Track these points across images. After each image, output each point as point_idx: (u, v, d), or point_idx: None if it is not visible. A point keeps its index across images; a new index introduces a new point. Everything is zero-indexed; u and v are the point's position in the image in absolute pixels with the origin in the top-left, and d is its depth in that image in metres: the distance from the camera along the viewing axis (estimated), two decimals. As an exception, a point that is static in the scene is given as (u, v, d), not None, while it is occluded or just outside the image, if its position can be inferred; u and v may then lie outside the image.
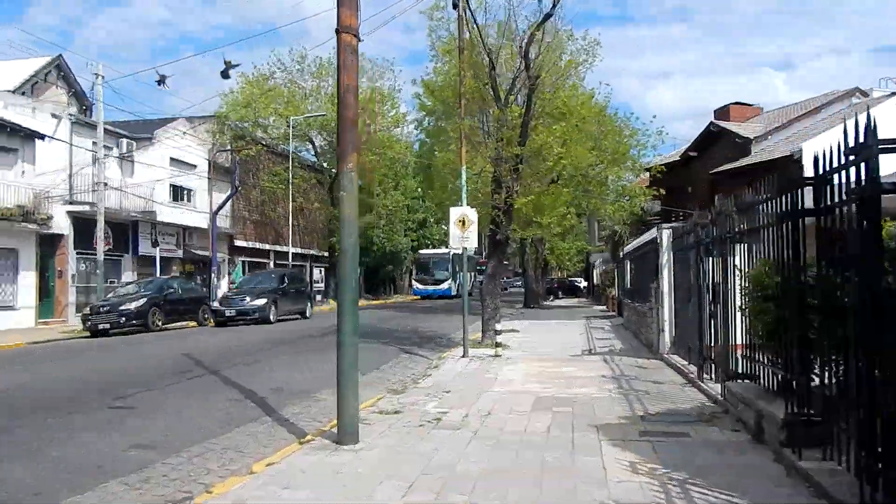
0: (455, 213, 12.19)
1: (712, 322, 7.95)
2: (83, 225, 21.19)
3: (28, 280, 20.34)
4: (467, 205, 12.26)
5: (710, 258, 8.09)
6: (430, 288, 43.38)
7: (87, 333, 16.96)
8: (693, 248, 9.09)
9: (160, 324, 17.57)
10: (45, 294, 21.07)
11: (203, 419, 7.36)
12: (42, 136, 20.70)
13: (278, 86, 34.70)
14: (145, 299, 17.79)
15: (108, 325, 16.82)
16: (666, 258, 11.42)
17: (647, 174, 32.70)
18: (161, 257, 26.31)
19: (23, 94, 24.97)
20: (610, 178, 29.53)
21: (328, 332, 14.77)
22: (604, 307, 29.51)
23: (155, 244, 25.46)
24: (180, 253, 27.61)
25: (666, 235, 11.46)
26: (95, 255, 21.88)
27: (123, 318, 16.99)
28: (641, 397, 7.74)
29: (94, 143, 22.32)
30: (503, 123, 12.79)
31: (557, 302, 40.36)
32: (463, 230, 12.03)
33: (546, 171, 13.01)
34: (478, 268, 40.92)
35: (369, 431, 6.23)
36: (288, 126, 31.94)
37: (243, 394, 8.83)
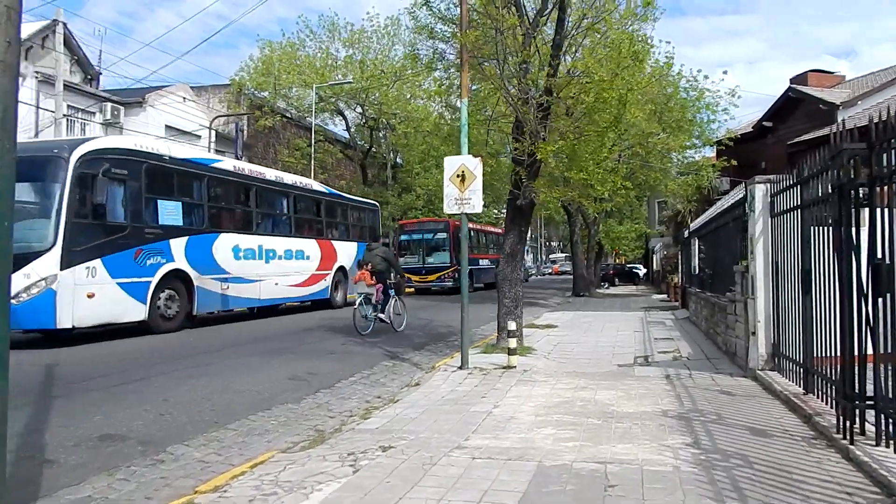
0: (451, 164, 8.67)
1: (872, 330, 4.23)
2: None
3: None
4: (472, 156, 8.69)
5: (868, 217, 4.35)
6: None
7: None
8: (823, 202, 5.31)
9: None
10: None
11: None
12: None
13: (309, 56, 31.83)
14: None
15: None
16: (760, 227, 7.59)
17: (713, 150, 28.41)
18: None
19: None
20: (673, 154, 25.51)
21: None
22: (665, 296, 25.36)
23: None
24: (186, 234, 25.02)
25: (761, 192, 7.62)
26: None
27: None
28: (739, 476, 4.08)
29: (69, 107, 19.84)
30: (528, 42, 9.13)
31: (612, 290, 36.16)
32: (462, 189, 8.50)
33: (587, 109, 9.26)
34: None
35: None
36: (312, 93, 28.92)
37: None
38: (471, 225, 28.09)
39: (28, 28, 24.11)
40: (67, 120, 21.01)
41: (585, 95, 9.44)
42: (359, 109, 33.73)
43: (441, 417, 6.10)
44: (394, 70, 28.85)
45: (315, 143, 29.35)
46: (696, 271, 14.00)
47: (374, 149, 34.35)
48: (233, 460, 4.91)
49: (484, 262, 31.31)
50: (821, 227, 5.45)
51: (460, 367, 8.62)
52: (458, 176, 8.53)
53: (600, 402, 6.46)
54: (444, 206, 8.64)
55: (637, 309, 19.39)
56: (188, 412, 6.50)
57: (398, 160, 36.47)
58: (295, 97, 31.53)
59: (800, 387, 6.19)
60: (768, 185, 7.53)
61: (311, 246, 18.19)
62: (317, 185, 20.14)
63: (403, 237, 29.56)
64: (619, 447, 4.78)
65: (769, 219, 7.49)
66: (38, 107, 20.05)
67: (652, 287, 36.30)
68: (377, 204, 23.95)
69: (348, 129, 34.30)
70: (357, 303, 12.85)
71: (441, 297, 26.09)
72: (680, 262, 20.00)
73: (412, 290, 27.95)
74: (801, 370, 6.13)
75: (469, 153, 8.69)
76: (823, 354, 5.36)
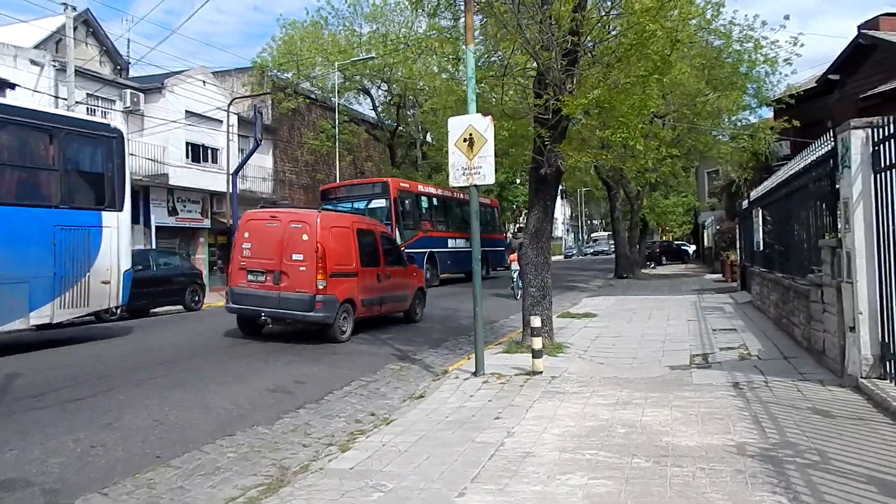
0: (457, 126, 7.05)
1: None
2: (75, 192, 17.71)
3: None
4: (481, 115, 7.04)
5: None
6: None
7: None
8: None
9: (116, 311, 13.53)
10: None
11: None
12: (13, 86, 17.35)
13: (332, 34, 30.38)
14: None
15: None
16: (859, 187, 5.74)
17: (770, 111, 25.79)
18: (182, 227, 22.88)
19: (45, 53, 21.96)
20: (724, 115, 23.11)
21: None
22: (720, 276, 23.17)
23: (172, 212, 22.00)
24: (207, 222, 24.07)
25: (859, 142, 5.76)
26: (93, 226, 18.58)
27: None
28: None
29: (87, 96, 18.89)
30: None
31: (659, 269, 33.90)
32: (470, 155, 6.88)
33: (625, 53, 7.48)
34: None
35: None
36: (335, 71, 27.46)
37: None
38: (438, 190, 22.64)
39: (56, 21, 23.27)
40: (87, 108, 20.17)
41: (623, 36, 7.67)
42: (384, 87, 32.18)
43: (437, 451, 4.60)
44: (418, 41, 27.15)
45: (340, 123, 27.97)
46: (760, 247, 12.05)
47: (401, 127, 32.78)
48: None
49: (460, 243, 22.54)
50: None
51: (474, 374, 7.07)
52: (464, 140, 6.92)
53: (649, 428, 4.82)
54: (450, 178, 7.06)
55: (688, 291, 17.42)
56: (129, 442, 5.17)
57: (428, 138, 34.81)
58: (319, 77, 30.16)
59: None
60: (870, 130, 5.67)
61: None
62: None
63: (327, 208, 18.45)
64: (680, 520, 3.17)
65: (871, 176, 5.64)
66: (56, 96, 19.20)
67: (704, 266, 33.86)
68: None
69: (375, 108, 32.82)
70: (514, 277, 16.69)
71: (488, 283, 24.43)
72: (738, 237, 17.87)
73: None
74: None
75: (479, 112, 7.05)
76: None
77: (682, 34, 8.04)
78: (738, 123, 23.59)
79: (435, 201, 22.71)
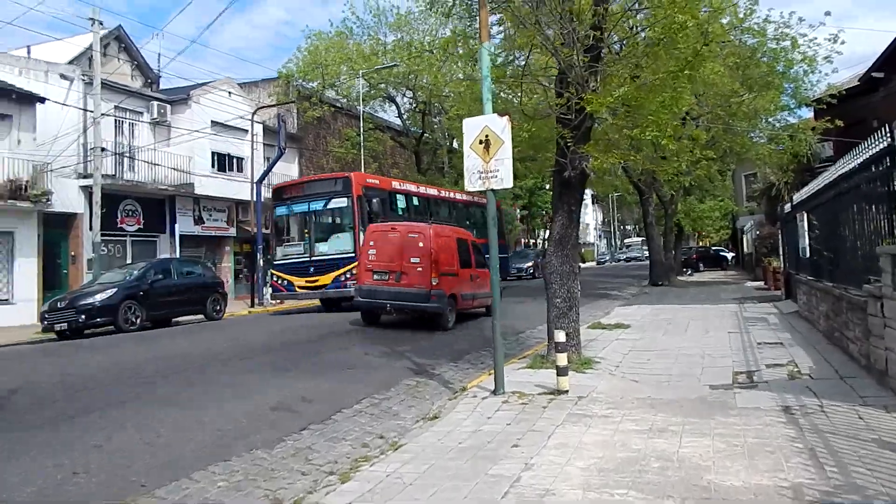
0: (472, 127, 6.57)
1: None
2: (106, 201, 17.75)
3: (27, 268, 17.22)
4: (497, 115, 6.54)
5: None
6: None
7: (54, 335, 13.24)
8: None
9: (137, 321, 13.40)
10: (56, 284, 18.06)
11: None
12: (42, 100, 17.54)
13: (358, 43, 30.30)
14: (115, 290, 13.39)
15: (65, 326, 12.99)
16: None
17: (811, 111, 24.63)
18: (207, 236, 22.87)
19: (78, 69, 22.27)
20: (761, 116, 22.10)
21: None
22: (761, 283, 22.13)
23: (198, 221, 21.98)
24: (233, 231, 24.02)
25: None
26: (124, 236, 18.68)
27: (83, 316, 12.94)
28: None
29: (115, 108, 19.01)
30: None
31: (696, 276, 32.73)
32: (487, 158, 6.39)
33: (650, 50, 6.92)
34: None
35: None
36: (358, 79, 27.28)
37: None
38: (420, 188, 20.31)
39: (89, 38, 23.63)
40: (115, 119, 20.32)
41: (650, 30, 7.11)
42: (409, 94, 31.96)
43: (445, 485, 4.10)
44: (441, 44, 26.75)
45: (366, 131, 27.76)
46: (807, 254, 11.23)
47: (427, 134, 32.49)
48: None
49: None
50: None
51: (494, 392, 6.54)
52: (480, 142, 6.43)
53: (687, 462, 4.23)
54: (465, 182, 6.56)
55: (728, 300, 16.54)
56: (114, 467, 4.81)
57: (454, 144, 34.43)
58: (344, 86, 30.08)
59: None
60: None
61: None
62: None
63: (280, 210, 17.40)
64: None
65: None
66: (84, 108, 19.37)
67: (744, 272, 32.59)
68: None
69: (400, 115, 32.62)
70: None
71: (520, 291, 23.81)
72: (780, 242, 16.93)
73: (295, 302, 18.11)
74: None
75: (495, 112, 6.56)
76: None
77: (714, 26, 7.40)
78: (777, 124, 22.57)
79: (416, 201, 19.42)
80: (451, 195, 21.98)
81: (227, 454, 5.08)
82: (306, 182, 18.20)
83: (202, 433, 5.64)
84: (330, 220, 17.06)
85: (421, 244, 11.87)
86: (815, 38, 20.81)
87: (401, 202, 18.71)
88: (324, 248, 16.31)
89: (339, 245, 16.15)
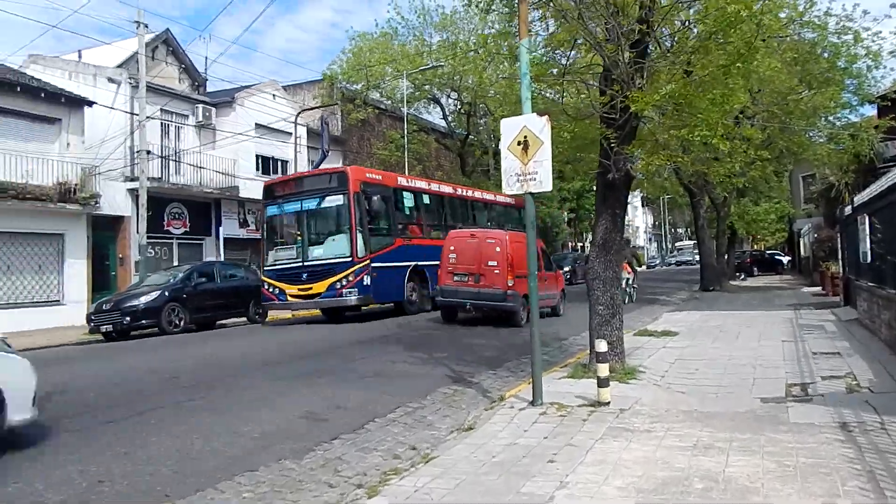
0: (510, 128, 6.41)
1: None
2: (152, 204, 18.35)
3: (77, 269, 17.80)
4: (536, 115, 6.35)
5: None
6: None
7: (101, 337, 13.66)
8: None
9: (180, 323, 13.72)
10: (105, 285, 18.64)
11: None
12: (90, 103, 18.17)
13: (403, 44, 30.46)
14: (159, 293, 13.74)
15: (110, 327, 13.38)
16: None
17: (874, 108, 23.37)
18: (252, 239, 23.31)
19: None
20: (821, 114, 21.10)
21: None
22: (818, 288, 21.14)
23: (243, 224, 22.41)
24: (279, 234, 24.46)
25: None
26: (170, 238, 19.15)
27: (128, 318, 13.27)
28: None
29: (161, 111, 19.57)
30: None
31: (749, 281, 31.55)
32: (525, 160, 6.21)
33: (700, 45, 6.62)
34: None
35: None
36: (402, 80, 27.38)
37: None
38: (431, 185, 18.60)
39: (135, 43, 24.51)
40: (161, 122, 20.90)
41: (701, 23, 6.79)
42: (454, 96, 31.90)
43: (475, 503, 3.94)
44: (483, 44, 26.60)
45: (409, 133, 27.83)
46: (869, 258, 10.60)
47: (472, 136, 32.36)
48: None
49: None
50: None
51: (532, 403, 6.34)
52: (518, 143, 6.26)
53: (734, 484, 3.97)
54: (503, 185, 6.40)
55: (783, 306, 15.82)
56: (137, 476, 4.80)
57: (499, 146, 34.25)
58: (388, 88, 30.25)
59: None
60: None
61: None
62: None
63: (271, 210, 15.83)
64: None
65: None
66: (131, 112, 20.01)
67: (800, 277, 31.26)
68: None
69: (445, 117, 32.61)
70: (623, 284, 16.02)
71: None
72: (840, 246, 16.11)
73: (289, 314, 16.95)
74: None
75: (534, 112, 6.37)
76: None
77: (770, 18, 7.03)
78: (837, 123, 21.51)
79: (426, 199, 17.70)
80: (471, 193, 20.70)
81: (255, 464, 5.02)
82: (299, 178, 16.38)
83: (233, 441, 5.61)
84: (325, 220, 15.35)
85: (498, 249, 13.01)
86: (881, 32, 19.84)
87: (408, 201, 17.03)
88: (318, 253, 14.78)
89: (334, 249, 14.54)
